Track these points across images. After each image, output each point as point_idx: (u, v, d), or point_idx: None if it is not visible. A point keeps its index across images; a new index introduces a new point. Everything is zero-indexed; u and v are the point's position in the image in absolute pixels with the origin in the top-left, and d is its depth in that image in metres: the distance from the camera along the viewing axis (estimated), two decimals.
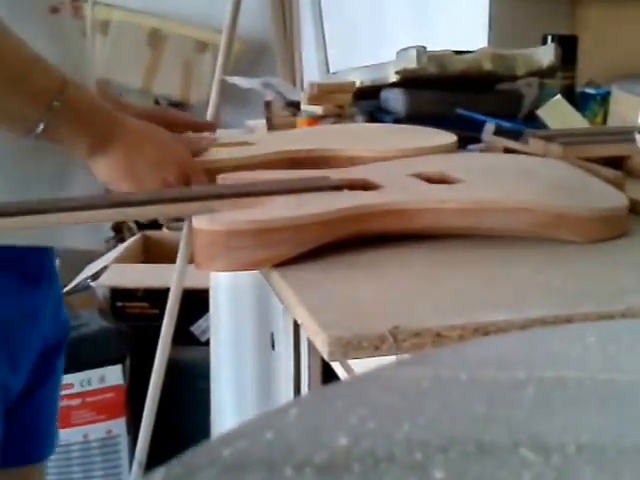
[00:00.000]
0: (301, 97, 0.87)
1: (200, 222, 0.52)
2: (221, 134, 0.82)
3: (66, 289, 1.56)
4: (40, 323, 0.74)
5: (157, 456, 1.30)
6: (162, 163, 0.63)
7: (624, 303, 0.44)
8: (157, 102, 2.56)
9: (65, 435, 1.31)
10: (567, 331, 0.29)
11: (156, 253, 1.82)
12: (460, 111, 0.86)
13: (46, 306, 0.75)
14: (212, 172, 0.66)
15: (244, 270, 0.53)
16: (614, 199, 0.59)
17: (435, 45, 0.92)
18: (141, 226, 2.00)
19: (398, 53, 0.89)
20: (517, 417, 0.22)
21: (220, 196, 0.58)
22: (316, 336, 0.42)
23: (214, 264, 0.52)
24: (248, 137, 0.78)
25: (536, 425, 0.22)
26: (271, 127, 0.96)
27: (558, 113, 0.85)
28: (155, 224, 1.97)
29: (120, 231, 2.02)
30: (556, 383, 0.24)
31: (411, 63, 0.85)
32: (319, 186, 0.59)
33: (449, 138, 0.72)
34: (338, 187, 0.58)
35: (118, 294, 1.52)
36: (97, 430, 1.35)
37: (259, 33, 2.43)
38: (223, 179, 0.65)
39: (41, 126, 0.61)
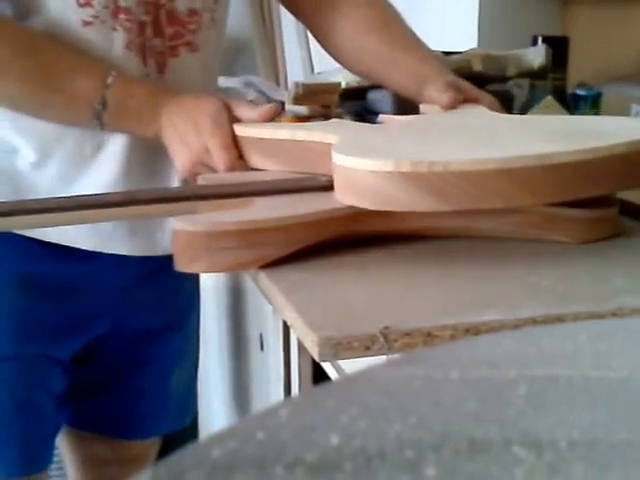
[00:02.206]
0: (284, 96, 0.87)
1: (181, 223, 0.51)
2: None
3: None
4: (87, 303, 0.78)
5: None
6: (188, 131, 0.66)
7: (615, 303, 0.44)
8: None
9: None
10: (558, 330, 0.29)
11: None
12: None
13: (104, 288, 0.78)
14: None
15: (228, 271, 0.53)
16: (605, 200, 0.60)
17: None
18: None
19: None
20: (509, 415, 0.22)
21: (203, 197, 0.57)
22: (306, 337, 0.42)
23: (195, 265, 0.52)
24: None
25: (528, 422, 0.22)
26: None
27: (549, 114, 0.86)
28: None
29: None
30: (547, 381, 0.24)
31: None
32: (306, 186, 0.59)
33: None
34: (326, 187, 0.57)
35: None
36: None
37: (239, 30, 2.41)
38: (204, 179, 0.65)
39: (97, 124, 0.67)
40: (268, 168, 0.67)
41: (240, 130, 0.67)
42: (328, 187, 0.57)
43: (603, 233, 0.57)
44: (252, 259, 0.50)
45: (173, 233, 0.52)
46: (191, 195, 0.58)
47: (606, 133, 0.54)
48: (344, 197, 0.52)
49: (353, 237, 0.55)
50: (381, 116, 0.70)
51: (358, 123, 0.71)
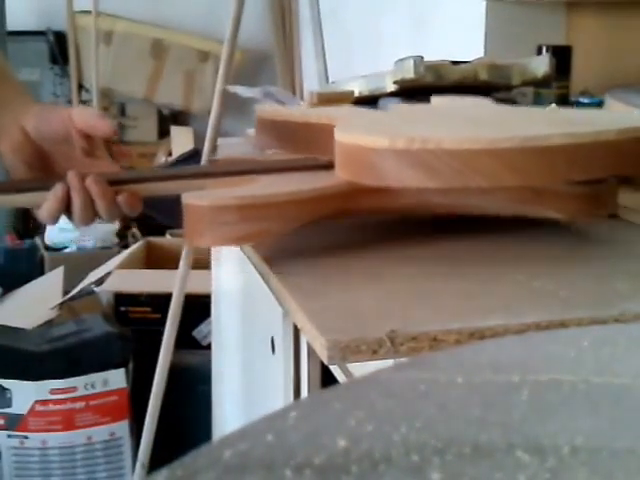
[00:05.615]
0: (301, 106, 0.88)
1: (188, 198, 0.54)
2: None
3: (71, 294, 1.57)
4: None
5: (159, 458, 1.30)
6: None
7: (617, 309, 0.44)
8: (160, 111, 2.59)
9: (69, 437, 1.32)
10: (561, 335, 0.30)
11: (159, 259, 1.83)
12: None
13: None
14: None
15: (230, 245, 0.54)
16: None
17: (432, 55, 0.93)
18: (144, 233, 2.02)
19: (396, 63, 0.90)
20: (512, 419, 0.23)
21: (212, 175, 0.59)
22: (315, 340, 0.42)
23: (201, 239, 0.54)
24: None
25: (531, 427, 0.22)
26: None
27: None
28: (158, 231, 1.98)
29: (124, 237, 2.03)
30: (551, 386, 0.25)
31: (409, 73, 0.86)
32: (308, 165, 0.60)
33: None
34: (326, 166, 0.58)
35: (121, 299, 1.53)
36: (100, 432, 1.36)
37: (260, 43, 2.45)
38: (216, 160, 0.67)
39: None
40: (279, 150, 0.68)
41: (258, 111, 0.68)
42: (329, 166, 0.57)
43: (595, 210, 0.57)
44: (252, 233, 0.52)
45: (184, 208, 0.53)
46: (201, 173, 0.60)
47: (600, 122, 0.54)
48: (343, 173, 0.54)
49: (350, 215, 0.56)
50: (391, 105, 0.72)
51: (367, 109, 0.72)
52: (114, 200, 0.57)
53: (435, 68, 0.87)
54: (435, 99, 0.73)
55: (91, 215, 0.58)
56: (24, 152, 0.61)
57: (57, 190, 0.57)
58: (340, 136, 0.54)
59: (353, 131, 0.53)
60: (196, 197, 0.53)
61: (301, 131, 0.66)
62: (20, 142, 0.61)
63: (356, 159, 0.52)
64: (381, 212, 0.57)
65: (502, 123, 0.58)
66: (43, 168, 0.61)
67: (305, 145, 0.66)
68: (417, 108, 0.69)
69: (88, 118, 0.60)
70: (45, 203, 0.57)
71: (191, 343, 1.52)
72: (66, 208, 0.58)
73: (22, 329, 1.42)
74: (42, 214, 0.58)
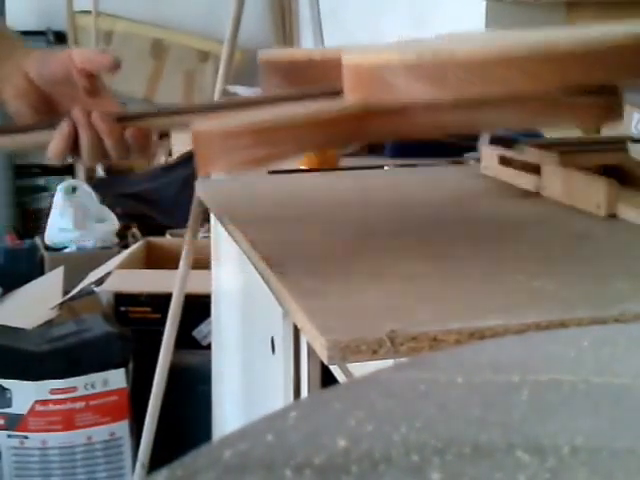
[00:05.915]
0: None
1: (197, 126, 0.53)
2: None
3: (71, 294, 1.58)
4: None
5: (159, 458, 1.30)
6: None
7: (617, 309, 0.44)
8: None
9: (69, 437, 1.32)
10: (561, 335, 0.30)
11: (159, 259, 1.83)
12: None
13: None
14: None
15: (242, 170, 0.53)
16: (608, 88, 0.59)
17: None
18: (144, 233, 2.02)
19: None
20: (512, 419, 0.23)
21: (220, 107, 0.58)
22: (315, 340, 0.42)
23: (213, 166, 0.53)
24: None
25: (531, 427, 0.22)
26: None
27: None
28: (158, 231, 1.98)
29: (124, 237, 2.03)
30: (551, 386, 0.25)
31: None
32: (319, 92, 0.58)
33: None
34: (337, 93, 0.57)
35: (121, 299, 1.53)
36: (101, 432, 1.36)
37: (260, 43, 2.45)
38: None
39: None
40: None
41: (261, 55, 0.68)
42: (339, 92, 0.56)
43: (606, 119, 0.56)
44: (263, 157, 0.51)
45: (193, 135, 0.52)
46: (209, 106, 0.59)
47: (612, 29, 0.54)
48: (353, 95, 0.53)
49: (363, 140, 0.55)
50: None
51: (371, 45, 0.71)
52: (122, 137, 0.57)
53: None
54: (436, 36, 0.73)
55: (99, 153, 0.58)
56: (29, 97, 0.61)
57: (63, 127, 0.57)
58: (349, 59, 0.53)
59: (362, 53, 0.53)
60: (206, 124, 0.52)
61: (306, 70, 0.65)
62: (24, 88, 0.61)
63: (366, 78, 0.51)
64: (394, 135, 0.56)
65: (511, 37, 0.57)
66: (48, 112, 0.61)
67: (312, 84, 0.65)
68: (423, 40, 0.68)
69: (88, 55, 0.61)
70: (52, 142, 0.57)
71: (191, 343, 1.52)
72: (74, 147, 0.58)
73: (22, 329, 1.42)
74: (49, 153, 0.58)
